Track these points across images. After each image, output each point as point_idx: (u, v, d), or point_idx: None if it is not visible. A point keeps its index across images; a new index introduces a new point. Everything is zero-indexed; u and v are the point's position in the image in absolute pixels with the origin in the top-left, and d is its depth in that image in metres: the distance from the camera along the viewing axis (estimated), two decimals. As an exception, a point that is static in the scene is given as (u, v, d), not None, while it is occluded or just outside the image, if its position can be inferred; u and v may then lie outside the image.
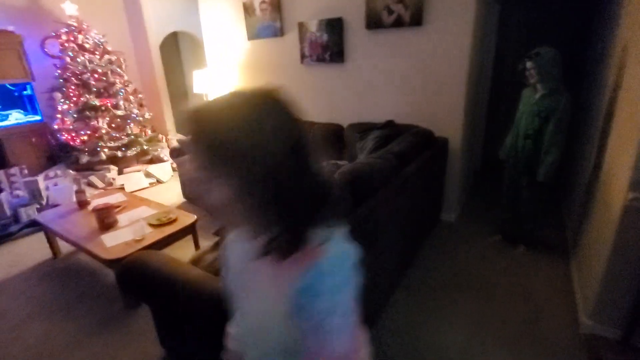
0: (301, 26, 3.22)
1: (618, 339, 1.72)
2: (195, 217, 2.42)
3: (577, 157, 2.92)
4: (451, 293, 2.17)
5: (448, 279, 2.30)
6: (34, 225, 3.00)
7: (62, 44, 3.82)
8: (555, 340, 1.80)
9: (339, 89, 3.25)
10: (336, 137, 3.10)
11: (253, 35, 3.59)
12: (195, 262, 1.71)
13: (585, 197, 2.32)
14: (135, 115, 4.23)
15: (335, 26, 3.02)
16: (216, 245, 1.83)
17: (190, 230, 2.40)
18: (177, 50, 5.95)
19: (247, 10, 3.51)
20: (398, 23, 2.71)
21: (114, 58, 4.12)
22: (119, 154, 4.06)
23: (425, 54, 2.71)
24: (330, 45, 3.11)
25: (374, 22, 2.82)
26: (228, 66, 3.96)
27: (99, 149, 3.91)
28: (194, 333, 1.49)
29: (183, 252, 2.64)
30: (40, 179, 3.45)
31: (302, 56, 3.32)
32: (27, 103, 3.95)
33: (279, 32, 3.40)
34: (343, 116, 3.27)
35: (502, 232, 2.71)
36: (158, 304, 1.56)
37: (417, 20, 2.62)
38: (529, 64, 2.17)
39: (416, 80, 2.82)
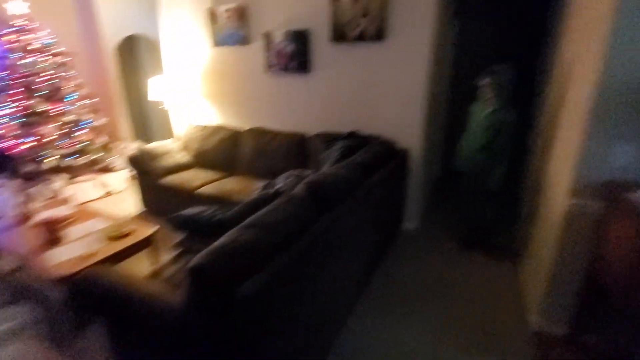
0: (267, 36, 3.22)
1: (564, 335, 1.86)
2: (156, 227, 2.31)
3: (527, 167, 3.15)
4: (414, 300, 2.23)
5: (411, 286, 2.37)
6: (-35, 242, 2.68)
7: (6, 45, 3.51)
8: (507, 337, 1.91)
9: (304, 99, 3.28)
10: (301, 146, 3.11)
11: (217, 42, 3.54)
12: (154, 276, 1.63)
13: (532, 204, 2.52)
14: (87, 121, 3.97)
15: (301, 37, 3.06)
16: (178, 258, 1.75)
17: (148, 242, 2.28)
18: (134, 54, 5.69)
19: (212, 16, 3.46)
20: (362, 37, 2.81)
21: (64, 60, 3.85)
22: (68, 162, 3.78)
23: (387, 67, 2.83)
24: (295, 56, 3.15)
25: (339, 35, 2.89)
26: (188, 73, 3.86)
27: (45, 157, 3.61)
28: (152, 350, 1.41)
29: (142, 265, 2.50)
30: (-27, 189, 3.10)
31: (268, 65, 3.32)
32: (-41, 106, 3.56)
33: (244, 41, 3.38)
34: (308, 126, 3.30)
35: (460, 239, 2.85)
36: (112, 322, 1.46)
37: (379, 34, 2.73)
38: (486, 80, 2.32)
39: (379, 92, 2.93)
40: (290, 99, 3.35)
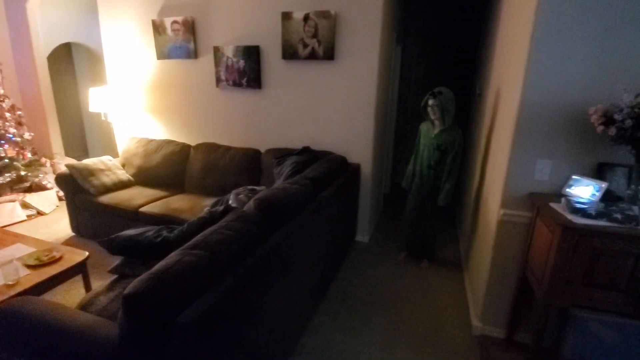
0: (217, 50, 3.18)
1: (503, 337, 1.99)
2: (87, 253, 2.10)
3: (467, 182, 3.40)
4: (366, 311, 2.26)
5: (363, 297, 2.40)
6: None
7: None
8: (453, 343, 2.00)
9: (257, 115, 3.26)
10: (254, 162, 3.07)
11: (163, 54, 3.41)
12: (86, 306, 1.47)
13: (471, 216, 2.71)
14: (11, 135, 3.56)
15: (252, 53, 3.06)
16: (113, 285, 1.61)
17: (79, 269, 2.06)
18: (70, 63, 5.28)
19: (157, 28, 3.34)
20: (312, 56, 2.88)
21: (-16, 67, 3.45)
22: (-14, 180, 3.34)
23: (338, 85, 2.92)
24: (247, 71, 3.13)
25: (289, 53, 2.94)
26: (132, 85, 3.66)
27: (-45, 174, 3.16)
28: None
29: (72, 295, 2.25)
30: None
31: (218, 80, 3.26)
32: None
33: (193, 54, 3.30)
34: (261, 141, 3.27)
35: (407, 249, 2.96)
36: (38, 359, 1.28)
37: (329, 55, 2.83)
38: (431, 102, 2.43)
39: (330, 109, 3.00)
40: (243, 115, 3.31)
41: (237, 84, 3.20)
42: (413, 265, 2.83)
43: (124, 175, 3.26)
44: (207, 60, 3.28)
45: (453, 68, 4.48)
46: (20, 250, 2.12)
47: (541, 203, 1.57)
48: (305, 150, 2.91)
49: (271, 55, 3.04)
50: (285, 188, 1.81)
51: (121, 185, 3.17)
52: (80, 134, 5.53)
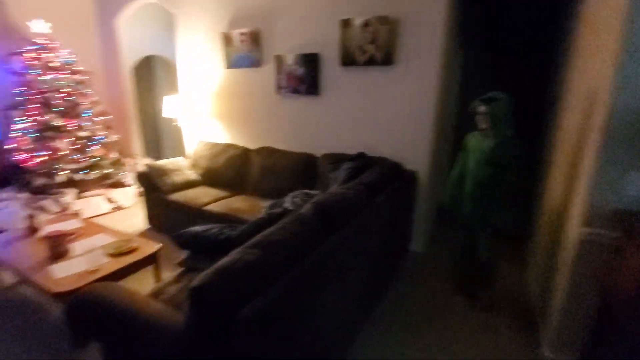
0: (278, 59, 3.31)
1: (579, 371, 1.76)
2: (159, 245, 2.30)
3: (539, 200, 3.08)
4: (419, 325, 2.16)
5: (417, 310, 2.30)
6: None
7: (26, 61, 3.67)
8: (521, 373, 1.82)
9: (314, 121, 3.32)
10: (309, 166, 3.13)
11: (230, 64, 3.65)
12: (156, 294, 1.61)
13: (544, 235, 2.46)
14: (100, 137, 4.06)
15: (311, 61, 3.14)
16: (180, 277, 1.74)
17: (152, 259, 2.27)
18: (150, 73, 5.88)
19: (226, 40, 3.58)
20: (371, 62, 2.87)
21: (82, 78, 3.99)
22: (79, 176, 3.84)
23: (396, 91, 2.86)
24: (306, 78, 3.21)
25: (348, 60, 2.96)
26: (201, 93, 3.96)
27: (57, 170, 3.67)
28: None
29: (143, 283, 2.48)
30: (-15, 201, 3.16)
31: (278, 87, 3.40)
32: (-22, 120, 3.70)
33: (257, 63, 3.47)
34: (317, 146, 3.33)
35: (459, 285, 2.55)
36: (112, 341, 1.42)
37: (388, 60, 2.79)
38: (482, 109, 2.07)
39: (387, 114, 2.95)
40: (301, 120, 3.40)
41: (296, 91, 3.30)
42: (470, 287, 2.60)
43: (191, 175, 3.53)
44: (268, 69, 3.43)
45: (522, 71, 4.14)
46: (102, 240, 2.39)
47: (634, 222, 1.37)
48: (360, 155, 2.88)
49: (329, 62, 3.08)
50: (341, 193, 1.81)
51: (189, 184, 3.44)
52: (156, 137, 6.12)
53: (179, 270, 1.81)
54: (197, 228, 1.79)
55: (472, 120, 2.24)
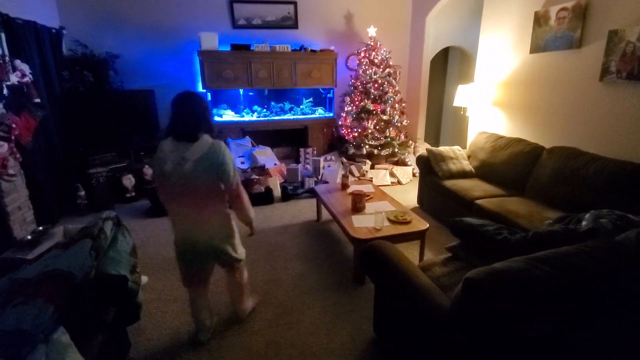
0: (613, 35, 2.56)
1: None
2: (427, 225, 2.51)
3: None
4: None
5: None
6: (311, 193, 4.04)
7: (359, 60, 4.81)
8: None
9: (656, 118, 2.39)
10: (632, 181, 2.32)
11: (537, 47, 3.20)
12: (424, 269, 1.80)
13: None
14: (395, 121, 4.79)
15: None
16: (447, 261, 1.85)
17: (420, 236, 2.52)
18: (444, 64, 6.16)
19: (538, 20, 3.15)
20: None
21: (392, 71, 4.79)
22: (375, 151, 4.75)
23: None
24: (657, 60, 2.32)
25: None
26: (496, 81, 3.74)
27: (363, 144, 4.72)
28: (411, 334, 1.59)
29: (408, 254, 2.82)
30: (321, 159, 4.58)
31: (604, 72, 2.66)
32: (327, 103, 5.29)
33: (574, 44, 2.86)
34: (652, 155, 2.40)
35: None
36: (384, 288, 1.75)
37: None
38: None
39: None
40: (630, 117, 2.54)
41: (634, 77, 2.47)
42: None
43: (467, 166, 3.53)
44: (591, 50, 2.74)
45: None
46: (386, 206, 2.89)
47: None
48: None
49: None
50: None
51: (463, 174, 3.46)
52: (437, 124, 6.48)
53: (447, 255, 1.92)
54: (473, 220, 1.81)
55: None
